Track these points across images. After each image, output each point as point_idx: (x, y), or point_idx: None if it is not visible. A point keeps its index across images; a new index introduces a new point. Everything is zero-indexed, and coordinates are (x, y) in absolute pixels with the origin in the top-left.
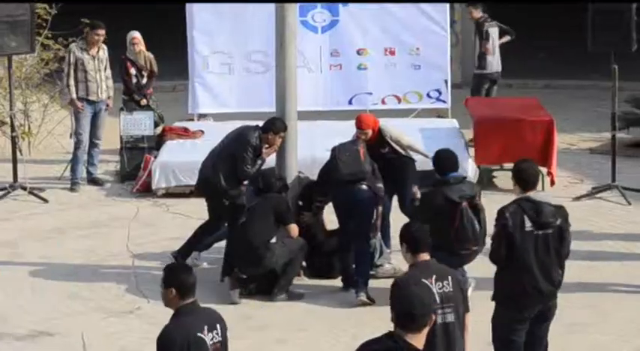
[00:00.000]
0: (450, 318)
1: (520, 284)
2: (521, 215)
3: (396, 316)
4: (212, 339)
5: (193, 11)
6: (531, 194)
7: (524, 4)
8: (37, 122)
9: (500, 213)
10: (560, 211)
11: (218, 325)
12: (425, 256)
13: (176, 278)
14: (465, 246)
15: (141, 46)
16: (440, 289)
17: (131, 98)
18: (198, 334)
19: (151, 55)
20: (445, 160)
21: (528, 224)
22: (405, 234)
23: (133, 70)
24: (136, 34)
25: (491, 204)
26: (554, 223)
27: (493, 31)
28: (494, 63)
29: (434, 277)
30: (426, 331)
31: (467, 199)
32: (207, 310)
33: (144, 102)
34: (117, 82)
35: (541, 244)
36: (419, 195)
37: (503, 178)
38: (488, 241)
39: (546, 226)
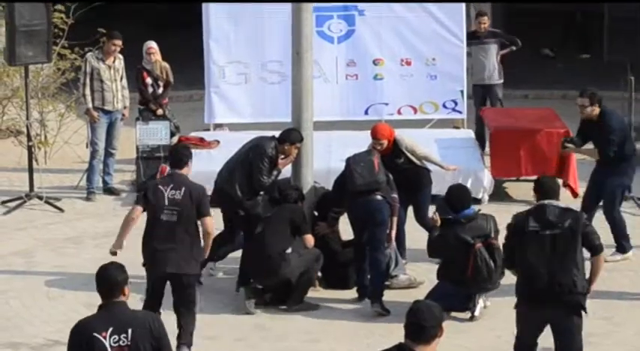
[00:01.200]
0: None
1: (527, 285)
2: (525, 217)
3: (407, 327)
4: (116, 341)
5: (210, 21)
6: (544, 201)
7: (544, 16)
8: (53, 132)
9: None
10: (571, 212)
11: (130, 330)
12: None
13: (98, 277)
14: (481, 285)
15: (157, 56)
16: None
17: (147, 108)
18: (94, 334)
19: (166, 65)
20: (457, 198)
21: (532, 224)
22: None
23: (148, 80)
24: (152, 44)
25: (505, 214)
26: (561, 224)
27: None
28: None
29: None
30: (436, 343)
31: (481, 240)
32: (125, 312)
33: (160, 112)
34: (133, 92)
35: (548, 243)
36: (439, 222)
37: (515, 188)
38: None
39: (552, 226)
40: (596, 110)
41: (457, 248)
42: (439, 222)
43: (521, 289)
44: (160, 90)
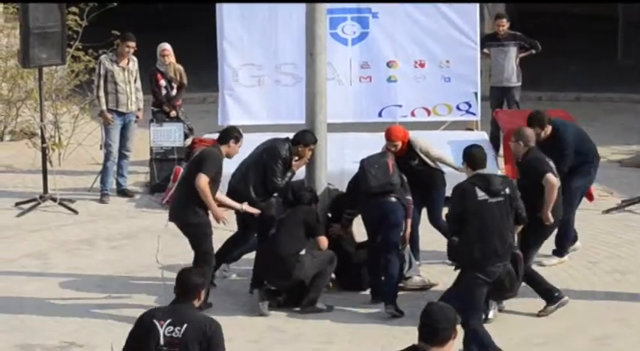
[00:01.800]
0: None
1: (480, 250)
2: (472, 187)
3: (421, 329)
4: (170, 332)
5: (224, 23)
6: (479, 171)
7: (559, 17)
8: (67, 133)
9: (454, 190)
10: (506, 180)
11: (185, 325)
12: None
13: (178, 279)
14: (502, 294)
15: (171, 58)
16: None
17: (161, 110)
18: (153, 321)
19: (180, 67)
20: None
21: (481, 194)
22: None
23: (162, 82)
24: (166, 46)
25: None
26: (503, 192)
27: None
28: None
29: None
30: (450, 344)
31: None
32: (187, 311)
33: (173, 113)
34: (147, 94)
35: (496, 210)
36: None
37: None
38: None
39: (497, 194)
40: (549, 129)
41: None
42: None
43: (474, 254)
44: (174, 92)
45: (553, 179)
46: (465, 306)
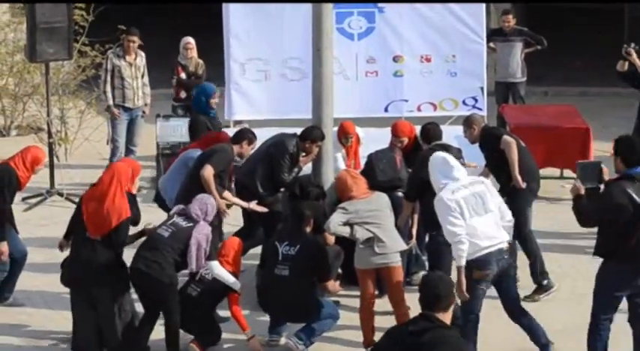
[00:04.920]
0: None
1: None
2: (432, 153)
3: (424, 299)
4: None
5: (230, 18)
6: (438, 142)
7: (566, 12)
8: (73, 129)
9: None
10: (459, 151)
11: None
12: None
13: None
14: None
15: (193, 52)
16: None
17: (181, 104)
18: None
19: (201, 62)
20: (632, 150)
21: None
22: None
23: (183, 75)
24: (190, 40)
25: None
26: (460, 159)
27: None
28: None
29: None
30: (450, 310)
31: None
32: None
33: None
34: (163, 88)
35: None
36: (582, 190)
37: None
38: None
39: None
40: (475, 132)
41: (621, 210)
42: (582, 190)
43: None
44: None
45: (508, 138)
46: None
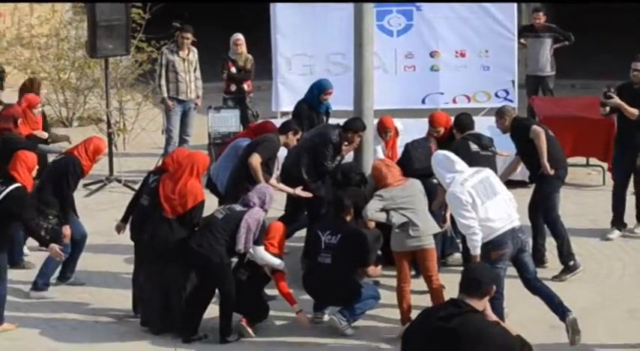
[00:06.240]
0: None
1: None
2: (465, 142)
3: (465, 282)
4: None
5: (277, 15)
6: (471, 131)
7: (591, 5)
8: (131, 119)
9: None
10: (490, 139)
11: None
12: None
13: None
14: None
15: (243, 48)
16: None
17: (232, 96)
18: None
19: (250, 57)
20: None
21: (474, 146)
22: None
23: (233, 69)
24: (239, 36)
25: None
26: (491, 147)
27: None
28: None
29: None
30: (486, 300)
31: None
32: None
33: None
34: (214, 82)
35: (485, 162)
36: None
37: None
38: None
39: (486, 148)
40: (507, 122)
41: None
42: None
43: None
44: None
45: (537, 128)
46: None
